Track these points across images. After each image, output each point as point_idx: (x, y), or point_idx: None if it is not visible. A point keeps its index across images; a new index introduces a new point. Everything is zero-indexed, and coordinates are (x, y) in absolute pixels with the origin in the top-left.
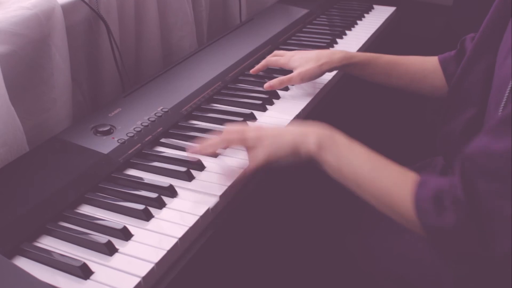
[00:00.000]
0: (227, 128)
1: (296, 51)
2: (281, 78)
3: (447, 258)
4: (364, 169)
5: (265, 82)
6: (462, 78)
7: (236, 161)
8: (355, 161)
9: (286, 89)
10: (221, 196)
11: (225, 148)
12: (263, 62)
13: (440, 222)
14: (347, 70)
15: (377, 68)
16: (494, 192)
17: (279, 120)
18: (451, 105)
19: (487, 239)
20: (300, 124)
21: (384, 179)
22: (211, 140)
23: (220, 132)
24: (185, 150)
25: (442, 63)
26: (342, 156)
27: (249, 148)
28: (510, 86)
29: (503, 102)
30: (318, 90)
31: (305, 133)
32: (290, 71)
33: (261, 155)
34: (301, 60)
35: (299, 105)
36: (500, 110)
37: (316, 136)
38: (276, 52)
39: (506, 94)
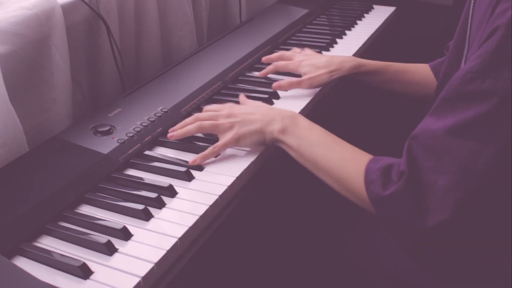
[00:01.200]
0: (199, 115)
1: (304, 54)
2: (291, 79)
3: (390, 233)
4: (320, 148)
5: (265, 83)
6: (443, 83)
7: (236, 161)
8: (313, 141)
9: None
10: (221, 196)
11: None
12: (271, 67)
13: (383, 191)
14: (355, 77)
15: (386, 77)
16: (431, 168)
17: None
18: None
19: (422, 210)
20: (269, 109)
21: (338, 157)
22: (185, 125)
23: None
24: (185, 150)
25: (433, 68)
26: (302, 138)
27: (220, 132)
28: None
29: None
30: (318, 90)
31: (272, 119)
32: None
33: (230, 133)
34: (311, 67)
35: (299, 105)
36: None
37: (280, 122)
38: (283, 54)
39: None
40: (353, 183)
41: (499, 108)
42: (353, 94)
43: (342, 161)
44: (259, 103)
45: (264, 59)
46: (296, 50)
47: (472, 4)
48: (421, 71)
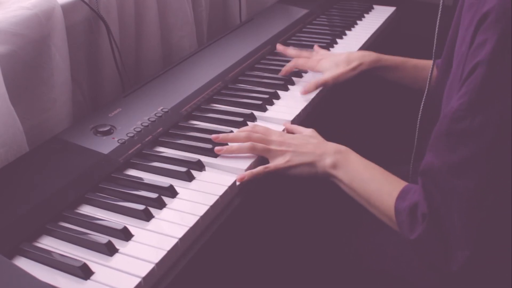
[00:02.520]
0: (251, 135)
1: (321, 54)
2: (316, 80)
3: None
4: (372, 184)
5: (266, 83)
6: (437, 87)
7: (236, 161)
8: (365, 177)
9: (286, 89)
10: (222, 196)
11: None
12: (291, 63)
13: (411, 234)
14: (376, 72)
15: (405, 72)
16: (446, 206)
17: (280, 120)
18: (434, 113)
19: (446, 254)
20: (319, 141)
21: (391, 195)
22: (236, 140)
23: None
24: (185, 150)
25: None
26: (354, 173)
27: (271, 157)
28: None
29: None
30: (318, 90)
31: (324, 152)
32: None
33: (282, 159)
34: (330, 63)
35: (300, 106)
36: None
37: (332, 157)
38: (301, 52)
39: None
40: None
41: (494, 141)
42: (354, 93)
43: (394, 198)
44: (309, 133)
45: (279, 48)
46: (315, 49)
47: (456, 18)
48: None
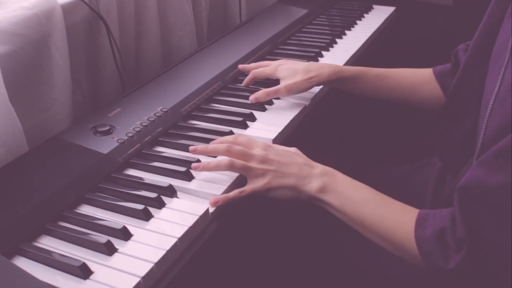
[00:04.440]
0: (232, 148)
1: (283, 60)
2: (267, 90)
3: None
4: (366, 208)
5: (265, 83)
6: (458, 90)
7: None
8: (358, 200)
9: None
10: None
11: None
12: (250, 76)
13: (446, 264)
14: (335, 85)
15: (367, 82)
16: (494, 226)
17: (280, 120)
18: (449, 116)
19: (493, 277)
20: (305, 160)
21: (388, 217)
22: (215, 152)
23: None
24: (184, 150)
25: (438, 77)
26: (345, 196)
27: (251, 176)
28: (489, 107)
29: (484, 125)
30: (319, 89)
31: (308, 174)
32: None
33: (261, 181)
34: (288, 71)
35: (299, 105)
36: (482, 132)
37: (319, 179)
38: (260, 62)
39: (486, 118)
40: (407, 245)
41: None
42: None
43: (392, 221)
44: (294, 149)
45: (240, 67)
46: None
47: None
48: (406, 76)
